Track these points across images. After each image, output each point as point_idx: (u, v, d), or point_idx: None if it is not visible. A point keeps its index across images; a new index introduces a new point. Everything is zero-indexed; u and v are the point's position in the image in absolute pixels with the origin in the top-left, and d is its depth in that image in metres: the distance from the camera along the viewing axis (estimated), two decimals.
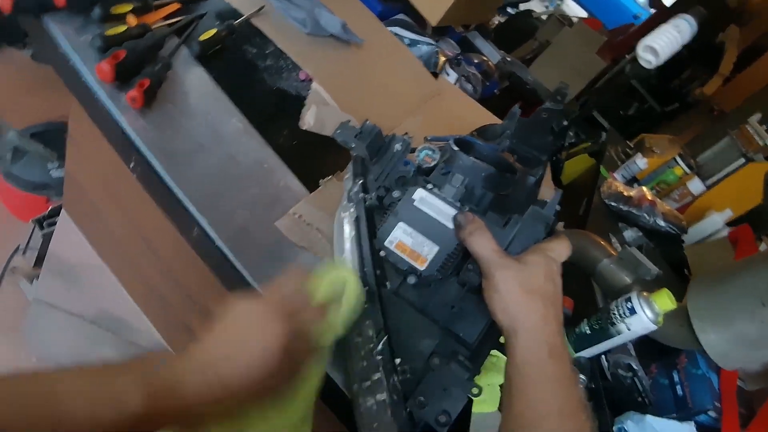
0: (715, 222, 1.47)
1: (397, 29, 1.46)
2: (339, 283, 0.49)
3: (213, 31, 0.78)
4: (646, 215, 1.36)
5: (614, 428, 0.81)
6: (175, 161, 0.63)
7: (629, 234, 1.32)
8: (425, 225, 0.55)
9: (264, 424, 0.45)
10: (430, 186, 0.56)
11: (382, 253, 0.55)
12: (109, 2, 0.71)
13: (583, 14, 4.62)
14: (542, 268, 0.49)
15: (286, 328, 0.42)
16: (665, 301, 0.79)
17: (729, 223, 1.48)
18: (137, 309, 1.03)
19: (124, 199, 0.81)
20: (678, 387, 0.93)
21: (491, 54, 1.98)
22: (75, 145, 0.89)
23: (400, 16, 1.60)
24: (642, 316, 0.78)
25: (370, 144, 0.61)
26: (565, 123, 0.78)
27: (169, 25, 0.76)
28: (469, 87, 1.68)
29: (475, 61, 1.82)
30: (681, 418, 0.87)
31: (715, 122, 2.32)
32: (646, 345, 0.97)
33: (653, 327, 0.79)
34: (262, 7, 0.88)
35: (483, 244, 0.50)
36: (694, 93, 2.55)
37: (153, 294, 0.94)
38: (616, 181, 1.44)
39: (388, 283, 0.55)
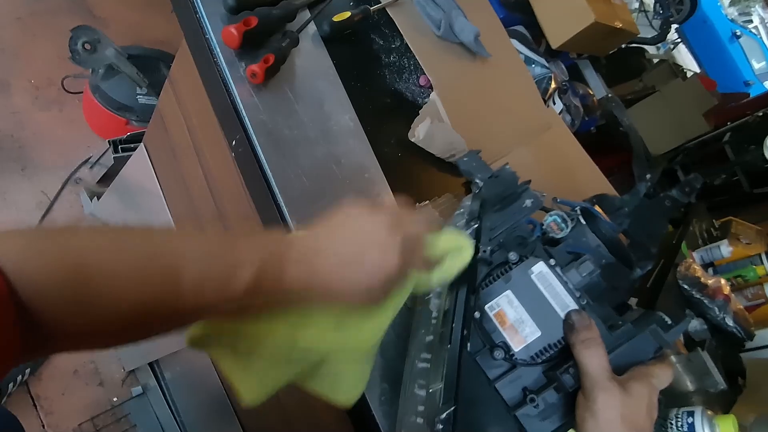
0: None
1: (515, 42, 1.38)
2: (455, 244, 0.48)
3: (347, 14, 0.73)
4: (717, 309, 1.27)
5: None
6: (279, 149, 0.59)
7: (694, 324, 1.24)
8: (535, 304, 0.50)
9: (337, 337, 0.46)
10: (553, 262, 0.51)
11: (476, 316, 0.50)
12: None
13: (695, 67, 4.39)
14: (645, 400, 0.45)
15: (403, 255, 0.41)
16: (729, 427, 0.73)
17: None
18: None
19: (210, 157, 0.78)
20: None
21: (597, 87, 1.88)
22: (173, 86, 0.86)
23: (520, 28, 1.52)
24: None
25: (498, 189, 0.56)
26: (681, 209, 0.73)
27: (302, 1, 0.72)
28: (568, 119, 1.60)
29: (580, 92, 1.73)
30: None
31: None
32: None
33: None
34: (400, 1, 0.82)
35: (596, 361, 0.45)
36: None
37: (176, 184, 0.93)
38: (695, 264, 1.34)
39: (469, 345, 0.51)
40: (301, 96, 0.64)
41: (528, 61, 1.34)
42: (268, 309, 0.42)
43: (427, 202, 0.69)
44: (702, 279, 1.29)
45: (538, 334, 0.49)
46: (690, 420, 0.74)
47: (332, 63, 0.70)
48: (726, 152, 2.71)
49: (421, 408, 0.49)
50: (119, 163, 1.22)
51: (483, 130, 0.83)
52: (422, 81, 0.79)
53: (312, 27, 0.71)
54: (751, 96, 2.94)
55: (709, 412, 0.75)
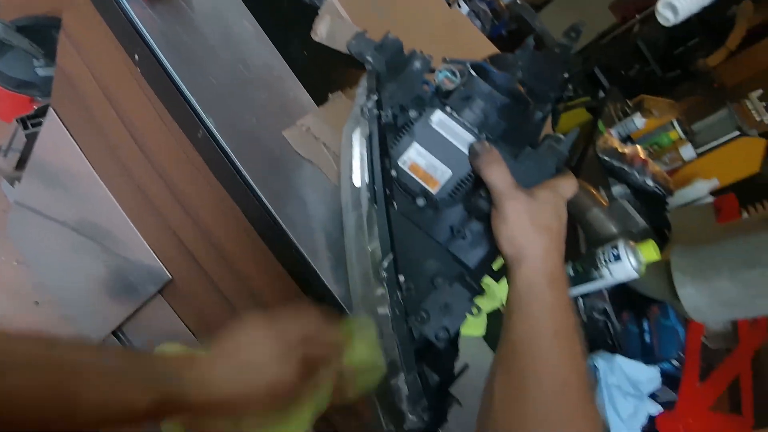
0: (701, 189, 1.50)
1: None
2: (368, 360, 0.49)
3: None
4: (636, 173, 1.38)
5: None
6: (182, 56, 0.60)
7: (617, 189, 1.35)
8: (440, 148, 0.54)
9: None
10: (448, 109, 0.55)
11: (393, 173, 0.54)
12: None
13: None
14: (551, 204, 0.50)
15: (297, 371, 0.42)
16: (650, 251, 0.82)
17: (713, 193, 1.51)
18: (126, 220, 1.02)
19: (122, 97, 0.78)
20: (646, 335, 0.99)
21: None
22: (69, 38, 0.84)
23: None
24: (626, 264, 0.81)
25: (389, 59, 0.59)
26: (568, 73, 0.77)
27: None
28: (478, 23, 1.64)
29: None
30: (645, 363, 0.92)
31: (715, 94, 2.32)
32: (620, 294, 1.01)
33: (635, 275, 0.82)
34: None
35: (498, 175, 0.50)
36: (698, 63, 2.53)
37: (145, 202, 0.92)
38: (612, 137, 1.44)
39: (395, 203, 0.55)
40: (194, 6, 0.65)
41: None
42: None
43: (340, 92, 0.72)
44: (619, 149, 1.39)
45: (450, 173, 0.54)
46: (615, 252, 0.82)
47: None
48: (639, 46, 2.86)
49: (367, 264, 0.54)
50: (32, 140, 1.18)
51: (386, 29, 0.86)
52: None
53: None
54: None
55: (632, 243, 0.84)
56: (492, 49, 1.23)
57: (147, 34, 0.59)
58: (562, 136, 0.56)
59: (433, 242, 0.55)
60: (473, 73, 0.59)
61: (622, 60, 2.75)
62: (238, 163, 0.58)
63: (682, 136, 1.58)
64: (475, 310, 0.51)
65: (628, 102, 1.82)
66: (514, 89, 0.62)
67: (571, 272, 0.87)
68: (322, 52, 0.75)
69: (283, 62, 0.68)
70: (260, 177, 0.59)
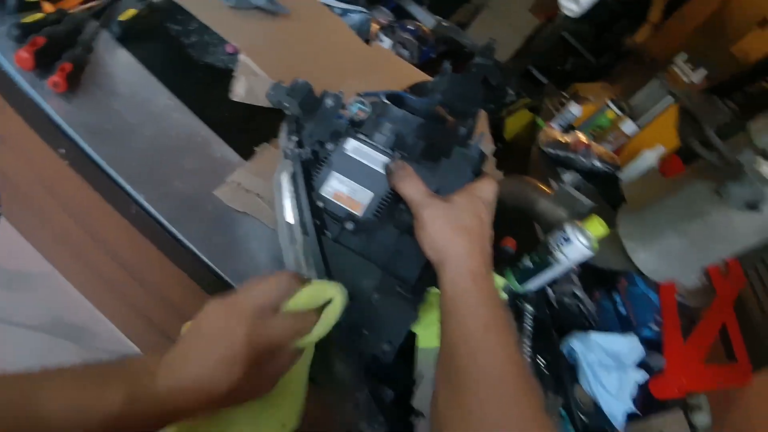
0: (648, 158, 1.55)
1: (330, 0, 1.46)
2: (320, 296, 0.47)
3: (133, 12, 0.77)
4: (582, 158, 1.43)
5: (563, 350, 0.86)
6: (105, 141, 0.63)
7: (568, 177, 1.39)
8: (359, 173, 0.57)
9: (249, 422, 0.46)
10: (361, 136, 0.59)
11: (320, 204, 0.57)
12: None
13: None
14: (467, 206, 0.52)
15: (247, 333, 0.41)
16: (596, 226, 0.85)
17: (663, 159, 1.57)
18: (93, 310, 1.03)
19: (60, 189, 0.80)
20: (620, 307, 1.01)
21: (426, 19, 2.00)
22: (4, 143, 0.87)
23: None
24: (577, 244, 0.84)
25: (303, 101, 0.62)
26: (497, 81, 0.82)
27: (88, 9, 0.75)
28: (406, 53, 1.70)
29: (410, 27, 1.84)
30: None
31: (648, 68, 2.43)
32: (589, 276, 1.03)
33: (589, 252, 0.84)
34: None
35: (412, 187, 0.53)
36: (626, 43, 2.64)
37: (107, 289, 0.93)
38: (552, 130, 1.50)
39: (328, 233, 0.58)
40: (111, 92, 0.68)
41: (344, 12, 1.42)
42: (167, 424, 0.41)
43: (266, 143, 0.75)
44: (561, 139, 1.44)
45: (371, 194, 0.57)
46: (564, 235, 0.85)
47: (134, 58, 0.74)
48: (568, 40, 2.99)
49: None
50: None
51: (303, 76, 0.91)
52: (229, 49, 0.85)
53: (104, 33, 0.75)
54: None
55: (578, 222, 0.86)
56: (420, 75, 1.30)
57: (67, 127, 0.62)
58: (472, 144, 0.60)
59: (369, 263, 0.57)
60: (386, 101, 0.63)
61: (556, 56, 2.87)
62: (174, 231, 0.61)
63: (619, 113, 1.64)
64: (414, 320, 0.53)
65: (564, 93, 1.90)
66: (430, 111, 0.66)
67: (530, 264, 0.90)
68: (243, 110, 0.79)
69: (205, 127, 0.72)
70: (199, 239, 0.61)
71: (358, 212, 0.57)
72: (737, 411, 1.05)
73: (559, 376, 0.83)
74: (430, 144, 0.62)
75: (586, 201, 1.00)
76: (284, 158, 0.61)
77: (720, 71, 1.93)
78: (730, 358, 1.07)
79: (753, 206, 0.67)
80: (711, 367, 0.98)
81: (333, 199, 0.57)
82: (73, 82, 0.65)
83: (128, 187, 0.61)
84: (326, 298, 0.47)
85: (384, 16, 1.76)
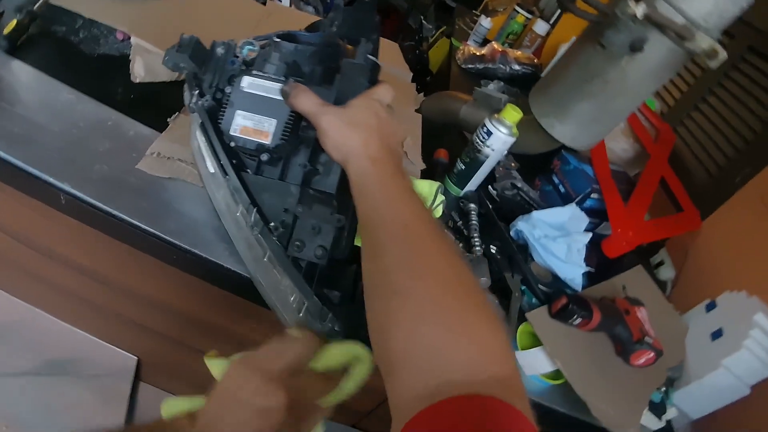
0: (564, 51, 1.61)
1: None
2: (345, 354, 0.49)
3: (14, 23, 0.77)
4: (501, 66, 1.47)
5: (512, 234, 0.92)
6: (17, 145, 0.64)
7: (491, 87, 1.43)
8: (259, 106, 0.60)
9: None
10: (254, 72, 0.61)
11: (232, 144, 0.60)
12: None
13: None
14: (363, 106, 0.55)
15: (281, 396, 0.42)
16: (511, 113, 0.89)
17: None
18: (74, 332, 1.05)
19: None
20: (560, 186, 1.07)
21: None
22: None
23: None
24: (498, 134, 0.88)
25: (194, 55, 0.64)
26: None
27: None
28: (309, 8, 1.70)
29: None
30: None
31: None
32: (528, 167, 1.09)
33: (511, 139, 0.89)
34: None
35: (306, 101, 0.56)
36: None
37: (73, 302, 0.96)
38: (467, 46, 1.53)
39: (248, 169, 0.61)
40: (12, 100, 0.69)
41: None
42: None
43: (177, 113, 0.77)
44: (477, 53, 1.48)
45: (275, 121, 0.60)
46: (485, 129, 0.89)
47: (29, 65, 0.75)
48: None
49: (243, 229, 0.60)
50: None
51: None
52: (119, 36, 0.86)
53: None
54: None
55: (495, 115, 0.91)
56: None
57: None
58: (364, 57, 0.63)
59: (291, 185, 0.61)
60: (277, 39, 0.65)
61: None
62: (107, 208, 0.63)
63: (529, 15, 1.69)
64: (339, 223, 0.57)
65: (475, 12, 1.93)
66: (324, 40, 0.69)
67: (462, 166, 0.94)
68: (148, 89, 0.81)
69: (113, 111, 0.74)
70: (133, 210, 0.64)
71: (268, 141, 0.60)
72: (694, 257, 1.13)
73: (511, 257, 0.88)
74: (328, 68, 0.65)
75: (502, 96, 1.05)
76: (191, 114, 0.64)
77: None
78: (678, 210, 1.15)
79: (636, 48, 0.72)
80: (657, 220, 1.05)
81: (242, 135, 0.60)
82: None
83: (52, 180, 0.63)
84: (350, 356, 0.49)
85: None
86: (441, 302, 0.40)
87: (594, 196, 1.03)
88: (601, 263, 0.96)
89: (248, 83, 0.61)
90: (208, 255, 0.63)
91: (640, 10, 0.68)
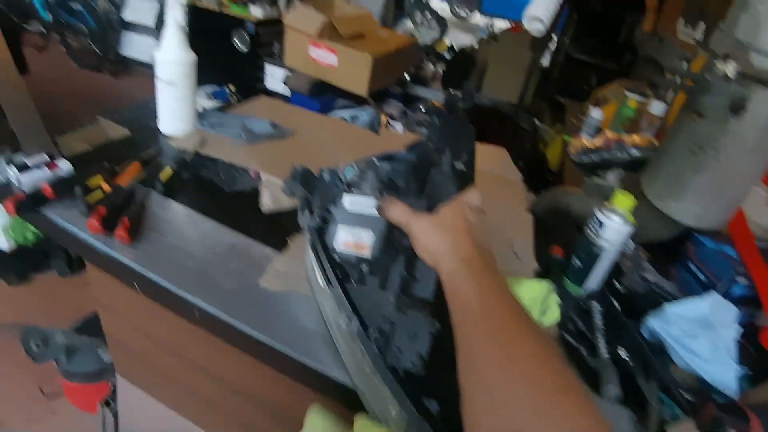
0: None
1: (340, 112, 1.65)
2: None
3: (170, 171, 0.96)
4: (618, 153, 1.41)
5: (644, 334, 0.83)
6: (165, 268, 0.76)
7: (611, 177, 1.37)
8: (359, 221, 0.66)
9: None
10: (354, 190, 0.68)
11: (336, 257, 0.65)
12: (85, 179, 0.88)
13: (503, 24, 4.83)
14: (451, 211, 0.58)
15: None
16: (623, 200, 0.84)
17: None
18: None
19: (156, 329, 0.95)
20: (699, 273, 0.95)
21: (434, 95, 2.16)
22: (103, 307, 1.05)
23: (342, 101, 1.81)
24: (611, 224, 0.84)
25: (304, 182, 0.74)
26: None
27: (135, 179, 0.94)
28: (425, 131, 1.84)
29: (421, 107, 1.99)
30: None
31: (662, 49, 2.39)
32: (660, 257, 0.99)
33: (627, 228, 0.84)
34: (203, 140, 1.07)
35: (398, 211, 0.61)
36: (638, 37, 2.65)
37: (211, 411, 1.04)
38: (579, 139, 1.51)
39: (352, 280, 0.65)
40: (165, 232, 0.83)
41: (355, 117, 1.59)
42: None
43: (296, 233, 0.86)
44: (590, 144, 1.45)
45: (372, 234, 0.65)
46: (597, 220, 0.86)
47: (180, 204, 0.91)
48: (582, 59, 3.03)
49: (346, 337, 0.63)
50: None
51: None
52: (252, 174, 1.01)
53: (152, 193, 0.92)
54: None
55: (605, 203, 0.87)
56: None
57: (135, 266, 0.77)
58: (452, 162, 0.67)
59: (389, 293, 0.63)
60: (375, 161, 0.72)
61: (577, 78, 2.90)
62: (230, 321, 0.71)
63: (641, 98, 1.63)
64: (434, 329, 0.58)
65: (584, 105, 1.92)
66: (419, 153, 0.74)
67: (579, 263, 0.89)
68: (274, 216, 0.92)
69: (243, 237, 0.85)
70: (252, 322, 0.71)
71: (367, 253, 0.64)
72: None
73: (646, 361, 0.79)
74: (420, 180, 0.70)
75: (612, 182, 1.01)
76: (304, 233, 0.72)
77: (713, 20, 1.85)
78: None
79: (737, 108, 0.66)
80: None
81: (344, 249, 0.65)
82: (135, 233, 0.81)
83: (188, 296, 0.73)
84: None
85: (393, 107, 1.92)
86: (536, 408, 0.38)
87: (741, 280, 0.90)
88: (761, 360, 0.81)
89: (349, 202, 0.67)
90: (316, 365, 0.67)
91: (731, 69, 0.64)
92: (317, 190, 0.74)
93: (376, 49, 1.72)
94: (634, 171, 1.40)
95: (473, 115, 2.38)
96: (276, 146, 1.11)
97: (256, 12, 2.58)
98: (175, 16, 0.98)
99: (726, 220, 0.89)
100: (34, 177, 0.89)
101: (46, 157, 0.92)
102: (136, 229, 0.82)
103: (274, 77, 1.90)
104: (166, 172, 0.95)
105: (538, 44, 2.69)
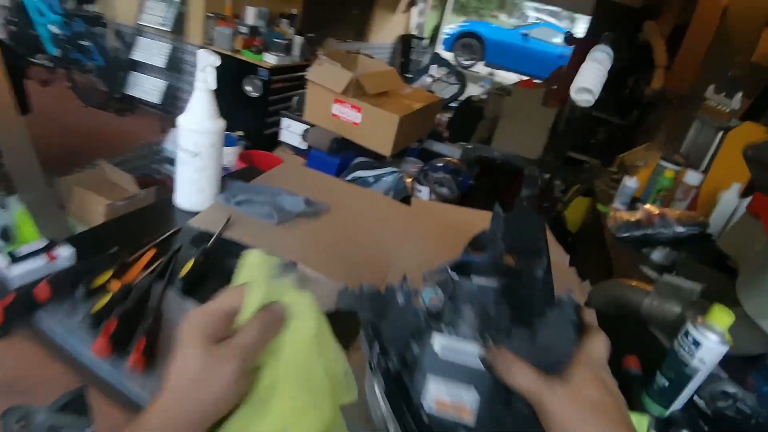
0: (729, 201, 1.44)
1: (359, 172, 1.54)
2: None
3: (191, 262, 0.81)
4: (662, 229, 1.33)
5: None
6: None
7: (657, 255, 1.29)
8: (457, 372, 0.52)
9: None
10: (445, 330, 0.55)
11: (425, 419, 0.52)
12: (90, 276, 0.74)
13: (514, 77, 4.93)
14: (590, 379, 0.46)
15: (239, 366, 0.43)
16: (722, 317, 0.74)
17: (744, 194, 1.45)
18: None
19: None
20: None
21: (451, 152, 2.08)
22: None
23: (359, 159, 1.71)
24: (709, 344, 0.73)
25: (373, 305, 0.61)
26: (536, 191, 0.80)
27: (151, 272, 0.80)
28: (445, 190, 1.75)
29: (440, 164, 1.91)
30: None
31: (678, 109, 2.37)
32: (731, 360, 0.89)
33: (726, 348, 0.73)
34: (229, 219, 0.93)
35: (520, 377, 0.47)
36: (646, 94, 2.64)
37: None
38: (617, 212, 1.43)
39: None
40: None
41: (377, 178, 1.49)
42: None
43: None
44: (631, 218, 1.36)
45: (476, 394, 0.51)
46: (691, 339, 0.75)
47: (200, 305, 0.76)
48: (593, 114, 3.01)
49: None
50: None
51: (359, 261, 0.91)
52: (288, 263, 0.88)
53: (170, 291, 0.78)
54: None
55: (700, 319, 0.76)
56: (462, 210, 1.29)
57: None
58: (564, 297, 0.54)
59: None
60: (455, 278, 0.60)
61: (585, 132, 2.87)
62: None
63: (677, 168, 1.57)
64: None
65: (611, 169, 1.85)
66: (501, 266, 0.62)
67: (666, 383, 0.78)
68: None
69: None
70: None
71: (469, 419, 0.51)
72: None
73: None
74: (514, 306, 0.58)
75: (693, 285, 0.91)
76: (370, 371, 0.58)
77: (752, 87, 1.84)
78: None
79: None
80: None
81: (437, 410, 0.52)
82: (150, 356, 0.66)
83: None
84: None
85: (413, 164, 1.84)
86: None
87: None
88: None
89: (440, 346, 0.54)
90: None
91: None
92: (388, 316, 0.60)
93: (401, 108, 1.64)
94: (678, 249, 1.32)
95: (487, 171, 2.31)
96: (310, 227, 0.98)
97: (270, 59, 2.48)
98: (206, 79, 0.86)
99: None
100: (28, 269, 0.75)
101: (44, 244, 0.78)
102: (153, 347, 0.67)
103: (290, 130, 1.80)
104: (187, 266, 0.81)
105: (553, 98, 2.67)
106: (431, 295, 0.59)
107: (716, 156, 1.59)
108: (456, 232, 1.09)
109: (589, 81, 1.17)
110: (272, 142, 2.20)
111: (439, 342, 0.54)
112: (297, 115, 1.86)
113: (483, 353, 0.51)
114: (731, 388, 0.87)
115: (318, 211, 1.00)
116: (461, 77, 2.64)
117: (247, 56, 2.59)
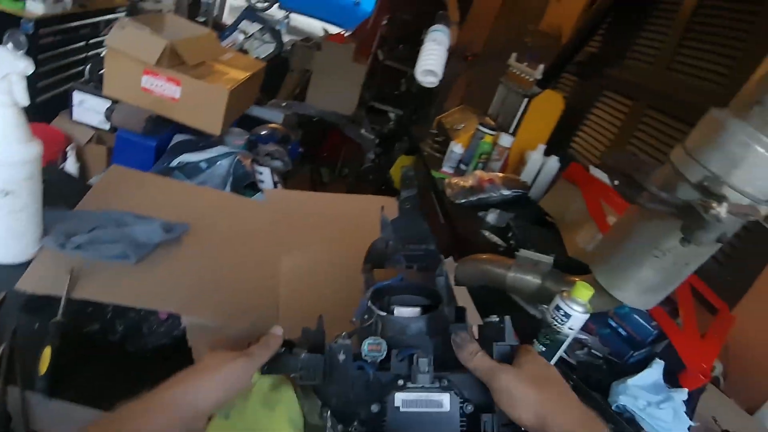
0: (536, 159, 1.67)
1: (186, 156, 1.36)
2: None
3: (47, 351, 0.62)
4: (492, 193, 1.48)
5: (613, 408, 0.89)
6: None
7: (491, 217, 1.43)
8: (423, 423, 0.52)
9: None
10: (401, 383, 0.53)
11: None
12: None
13: (317, 27, 4.80)
14: (532, 361, 0.52)
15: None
16: (584, 292, 0.87)
17: (547, 152, 1.69)
18: None
19: None
20: (619, 329, 1.06)
21: (273, 116, 1.95)
22: None
23: (179, 138, 1.49)
24: (576, 315, 0.86)
25: (313, 369, 0.55)
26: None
27: None
28: (279, 163, 1.65)
29: (265, 132, 1.79)
30: (641, 354, 1.02)
31: (474, 67, 2.61)
32: None
33: (587, 315, 0.87)
34: (72, 271, 0.73)
35: (480, 361, 0.52)
36: None
37: None
38: (453, 179, 1.54)
39: None
40: None
41: (211, 162, 1.33)
42: None
43: None
44: (464, 183, 1.48)
45: None
46: (562, 312, 0.87)
47: (69, 404, 0.60)
48: (391, 65, 3.12)
49: None
50: None
51: (242, 283, 0.82)
52: (162, 316, 0.73)
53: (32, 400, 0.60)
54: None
55: (565, 294, 0.88)
56: (318, 197, 1.25)
57: None
58: (494, 319, 0.57)
59: None
60: (382, 313, 0.57)
61: (391, 85, 2.98)
62: None
63: (494, 133, 1.74)
64: None
65: (432, 131, 1.96)
66: (413, 287, 0.61)
67: (542, 348, 0.90)
68: None
69: None
70: None
71: None
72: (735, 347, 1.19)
73: None
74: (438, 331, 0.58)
75: (548, 259, 1.04)
76: None
77: (546, 55, 2.06)
78: (712, 312, 1.19)
79: (723, 240, 0.73)
80: (709, 336, 1.07)
81: None
82: None
83: None
84: None
85: (239, 136, 1.69)
86: None
87: (652, 329, 1.04)
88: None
89: (402, 401, 0.52)
90: None
91: (723, 210, 0.70)
92: (333, 377, 0.55)
93: (228, 80, 1.44)
94: (506, 210, 1.48)
95: (311, 131, 2.25)
96: (177, 258, 0.82)
97: (35, 7, 1.90)
98: (10, 91, 0.63)
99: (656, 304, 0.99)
100: None
101: None
102: None
103: (84, 107, 1.45)
104: (45, 359, 0.61)
105: (362, 54, 2.67)
106: (370, 344, 0.55)
107: (522, 120, 1.81)
108: (331, 226, 1.05)
109: (431, 63, 1.21)
110: (48, 111, 1.76)
111: (400, 398, 0.53)
112: (93, 87, 1.51)
113: (455, 335, 0.54)
114: (582, 336, 1.05)
115: (179, 235, 0.85)
116: (277, 35, 2.46)
117: (6, 5, 1.98)
